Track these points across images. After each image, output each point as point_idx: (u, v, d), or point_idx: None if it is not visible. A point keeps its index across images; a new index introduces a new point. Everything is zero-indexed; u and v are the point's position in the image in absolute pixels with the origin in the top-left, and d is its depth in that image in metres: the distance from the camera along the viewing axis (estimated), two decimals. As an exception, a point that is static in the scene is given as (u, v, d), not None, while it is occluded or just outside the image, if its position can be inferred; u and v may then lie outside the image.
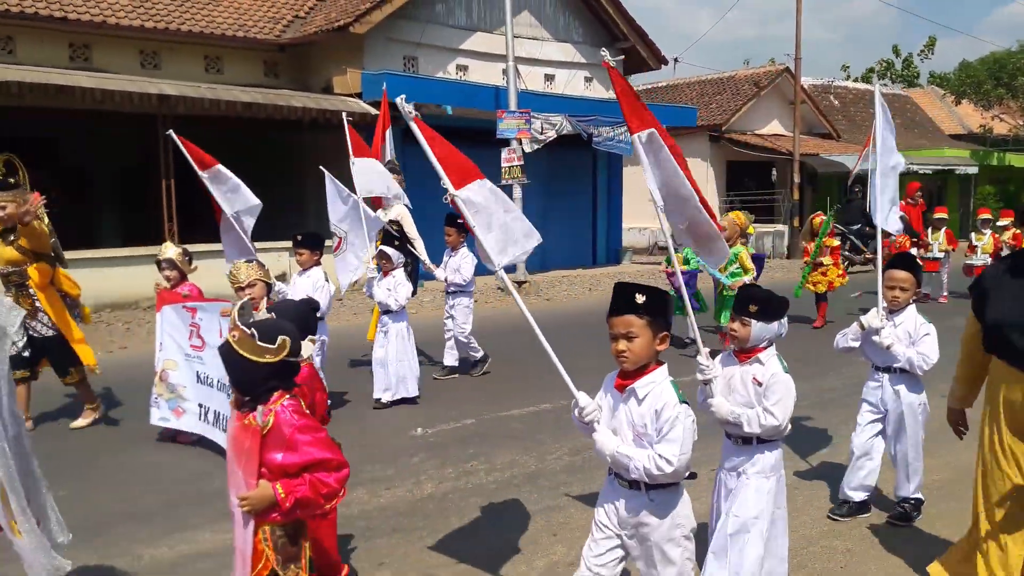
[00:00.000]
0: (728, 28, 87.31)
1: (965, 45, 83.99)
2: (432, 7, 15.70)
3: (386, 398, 6.77)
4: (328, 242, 6.97)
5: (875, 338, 4.06)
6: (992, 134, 30.22)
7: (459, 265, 7.67)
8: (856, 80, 41.35)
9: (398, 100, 3.70)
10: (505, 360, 8.42)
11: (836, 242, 10.74)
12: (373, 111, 13.75)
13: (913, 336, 4.12)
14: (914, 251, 12.91)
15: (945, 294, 13.07)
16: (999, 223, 13.43)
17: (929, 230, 13.26)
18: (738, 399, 3.22)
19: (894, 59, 45.56)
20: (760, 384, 3.15)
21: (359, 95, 14.15)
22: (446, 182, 3.25)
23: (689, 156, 23.27)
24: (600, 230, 19.34)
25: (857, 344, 4.19)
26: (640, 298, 2.63)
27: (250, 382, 2.55)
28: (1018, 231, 13.63)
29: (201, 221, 11.96)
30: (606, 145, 16.57)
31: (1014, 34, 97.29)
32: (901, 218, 12.92)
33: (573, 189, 18.57)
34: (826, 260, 10.34)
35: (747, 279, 7.60)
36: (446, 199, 3.34)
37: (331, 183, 7.19)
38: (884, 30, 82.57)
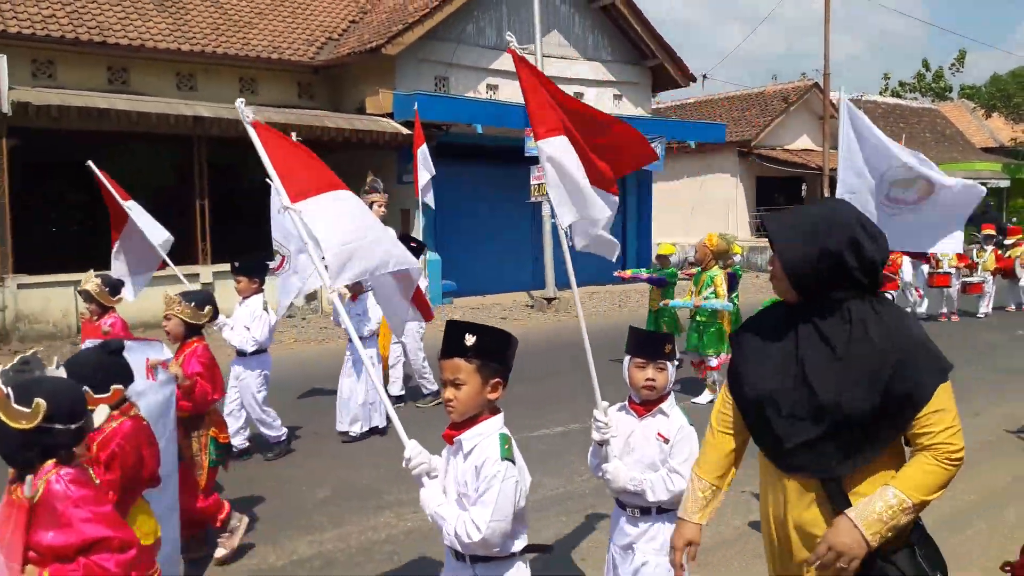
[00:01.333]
0: (757, 43, 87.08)
1: (995, 58, 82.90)
2: (463, 28, 15.93)
3: (356, 430, 6.52)
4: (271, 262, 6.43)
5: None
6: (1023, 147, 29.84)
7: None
8: (886, 92, 40.98)
9: (237, 102, 3.34)
10: (532, 378, 8.49)
11: None
12: (404, 131, 13.98)
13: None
14: (925, 267, 12.65)
15: (955, 311, 12.80)
16: (1007, 240, 13.15)
17: None
18: (639, 460, 2.87)
19: (924, 72, 45.12)
20: (667, 440, 2.79)
21: (391, 115, 14.39)
22: (282, 194, 2.96)
23: (718, 172, 23.43)
24: (630, 245, 19.37)
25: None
26: (469, 339, 2.34)
27: (7, 449, 2.17)
28: None
29: (235, 241, 12.26)
30: (634, 162, 16.63)
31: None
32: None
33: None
34: None
35: (718, 305, 7.34)
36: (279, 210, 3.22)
37: (275, 195, 6.93)
38: (915, 44, 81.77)
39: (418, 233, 14.42)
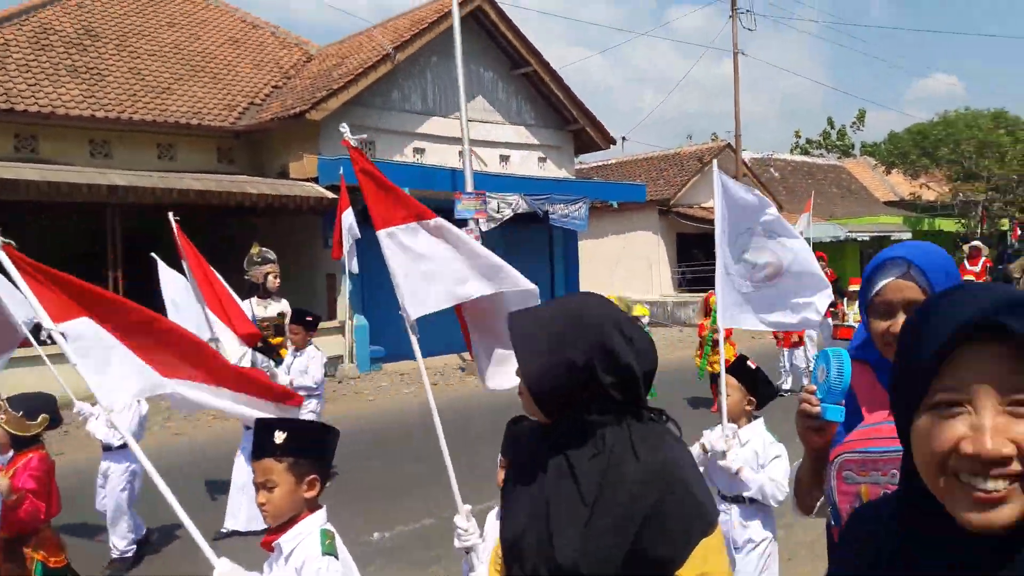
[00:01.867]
0: (672, 106, 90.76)
1: (892, 117, 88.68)
2: (388, 94, 16.01)
3: (248, 527, 5.84)
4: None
5: (721, 462, 3.40)
6: (921, 201, 31.67)
7: (306, 366, 6.67)
8: (796, 150, 43.06)
9: (342, 126, 3.55)
10: (470, 447, 8.33)
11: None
12: (329, 195, 13.83)
13: (761, 458, 3.45)
14: (829, 320, 13.10)
15: None
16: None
17: (845, 300, 13.27)
18: None
19: (830, 130, 47.77)
20: None
21: (315, 180, 14.23)
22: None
23: (641, 230, 24.02)
24: (556, 305, 19.53)
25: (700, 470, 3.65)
26: (279, 437, 2.20)
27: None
28: None
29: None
30: (561, 221, 16.90)
31: (935, 106, 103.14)
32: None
33: (531, 265, 18.74)
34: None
35: None
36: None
37: (164, 271, 6.74)
38: (820, 103, 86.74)
39: (344, 298, 14.19)
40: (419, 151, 16.62)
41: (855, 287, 13.12)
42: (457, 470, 7.21)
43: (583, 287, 20.38)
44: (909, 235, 27.41)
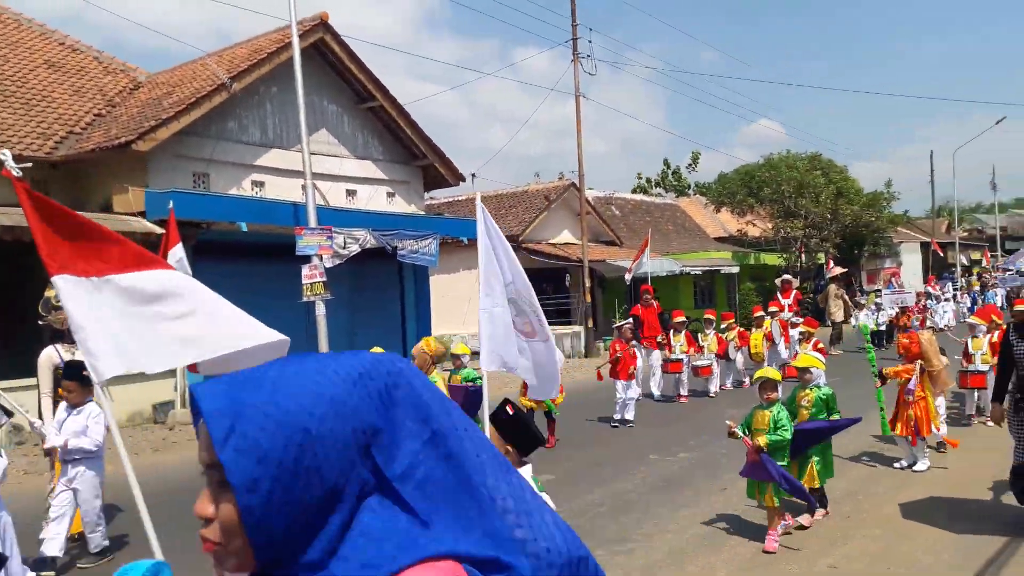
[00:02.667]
0: (521, 144, 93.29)
1: (724, 159, 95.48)
2: (223, 124, 15.43)
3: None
4: None
5: None
6: (747, 236, 34.11)
7: (85, 426, 5.86)
8: (634, 191, 45.26)
9: (2, 153, 3.23)
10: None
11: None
12: (158, 230, 13.06)
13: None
14: (656, 353, 13.65)
15: (687, 393, 13.51)
16: (722, 325, 14.25)
17: (671, 332, 13.64)
18: None
19: (667, 171, 50.63)
20: None
21: (142, 214, 13.42)
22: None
23: (489, 265, 24.27)
24: (410, 339, 19.30)
25: None
26: None
27: None
28: (743, 330, 14.78)
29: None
30: (411, 257, 16.79)
31: (761, 149, 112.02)
32: (635, 318, 13.52)
33: (381, 301, 18.52)
34: None
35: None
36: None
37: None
38: (659, 144, 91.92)
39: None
40: (258, 184, 16.10)
41: (680, 319, 13.82)
42: None
43: (435, 323, 20.32)
44: (737, 269, 29.36)
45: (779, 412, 5.82)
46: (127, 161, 13.79)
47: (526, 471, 3.20)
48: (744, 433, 5.85)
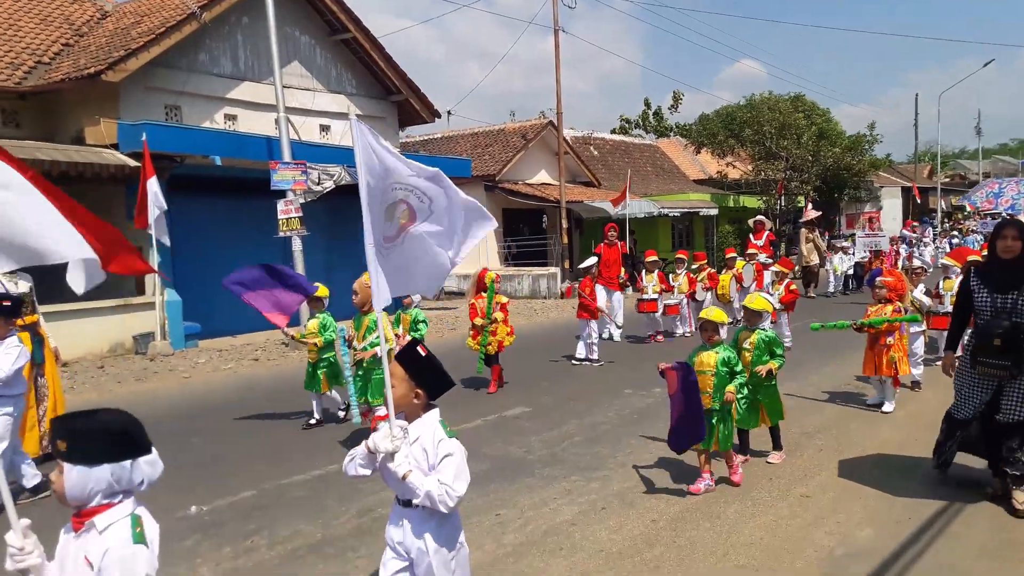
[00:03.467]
0: (498, 81, 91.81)
1: (706, 99, 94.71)
2: (195, 56, 15.07)
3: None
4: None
5: (390, 464, 2.93)
6: (727, 179, 34.15)
7: None
8: (614, 131, 44.93)
9: None
10: (288, 423, 8.15)
11: (505, 299, 9.64)
12: (132, 163, 12.89)
13: (431, 457, 2.97)
14: (618, 294, 13.39)
15: (661, 332, 13.52)
16: (694, 265, 14.12)
17: (643, 272, 13.55)
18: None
19: (648, 111, 50.24)
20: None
21: (115, 146, 13.20)
22: None
23: (467, 204, 24.20)
24: (383, 279, 19.36)
25: (369, 472, 3.05)
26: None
27: None
28: (713, 271, 14.36)
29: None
30: (385, 195, 16.68)
31: (742, 89, 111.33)
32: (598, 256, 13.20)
33: (357, 238, 18.32)
34: (498, 316, 9.36)
35: (387, 348, 6.70)
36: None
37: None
38: (639, 85, 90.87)
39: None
40: (231, 118, 15.83)
41: (652, 258, 13.77)
42: (302, 434, 6.88)
43: (411, 261, 20.31)
44: (716, 211, 29.49)
45: (728, 354, 5.64)
46: (98, 92, 13.49)
47: (433, 415, 3.03)
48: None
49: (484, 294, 9.35)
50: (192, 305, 13.87)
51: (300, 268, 14.14)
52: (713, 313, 5.82)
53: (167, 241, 12.91)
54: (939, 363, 6.54)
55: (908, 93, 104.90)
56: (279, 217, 14.00)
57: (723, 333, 5.99)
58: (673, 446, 5.59)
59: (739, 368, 5.70)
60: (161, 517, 4.98)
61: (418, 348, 3.06)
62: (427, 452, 2.95)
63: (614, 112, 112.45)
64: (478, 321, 9.33)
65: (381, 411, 6.33)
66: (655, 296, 13.26)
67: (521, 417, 8.20)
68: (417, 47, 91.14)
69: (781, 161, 31.00)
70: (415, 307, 8.33)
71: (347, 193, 16.09)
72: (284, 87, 14.36)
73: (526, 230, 25.00)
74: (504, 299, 9.58)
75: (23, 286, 6.77)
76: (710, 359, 5.63)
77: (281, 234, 14.09)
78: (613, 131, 45.59)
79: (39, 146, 12.77)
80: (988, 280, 5.18)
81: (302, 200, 14.25)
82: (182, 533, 5.18)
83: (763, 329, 6.34)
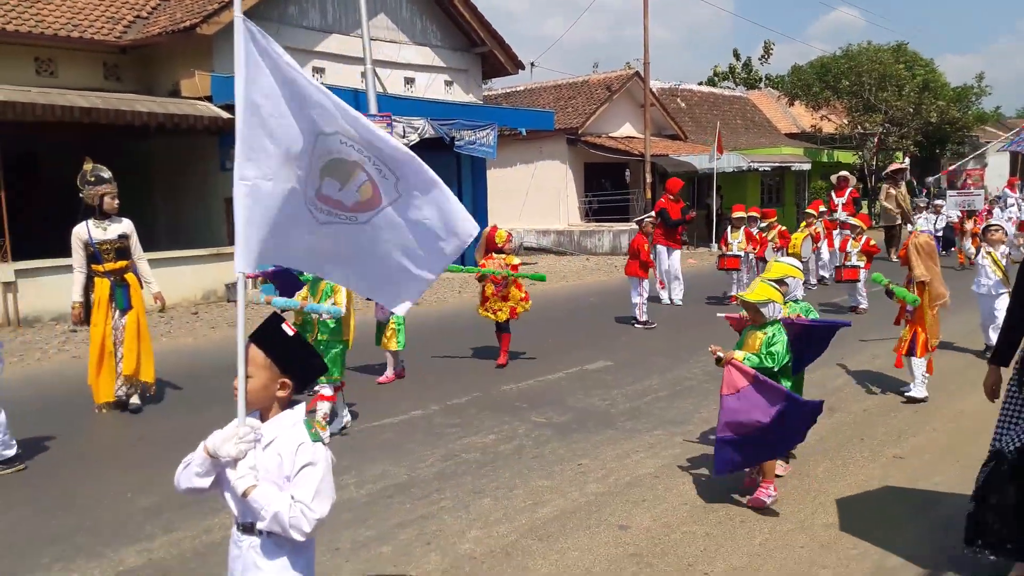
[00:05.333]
0: (581, 32, 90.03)
1: (798, 50, 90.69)
2: (284, 8, 15.29)
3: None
4: None
5: (231, 474, 2.28)
6: (821, 133, 32.75)
7: None
8: (701, 83, 43.58)
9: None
10: (374, 370, 8.36)
11: (517, 260, 8.56)
12: (225, 115, 13.24)
13: (287, 467, 2.29)
14: (677, 253, 12.55)
15: (734, 294, 12.62)
16: (762, 224, 13.08)
17: (729, 229, 13.01)
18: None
19: (736, 63, 48.46)
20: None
21: (209, 98, 13.58)
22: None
23: (548, 159, 24.04)
24: (465, 232, 19.48)
25: (207, 484, 2.34)
26: (287, 330, 2.30)
27: None
28: (784, 228, 13.40)
29: (40, 237, 11.13)
30: (468, 148, 16.72)
31: (838, 39, 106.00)
32: (661, 213, 12.25)
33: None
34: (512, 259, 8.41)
35: (322, 308, 5.79)
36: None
37: None
38: (728, 35, 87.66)
39: (246, 224, 13.73)
40: (319, 71, 16.04)
41: (740, 214, 13.18)
42: (371, 384, 6.89)
43: (491, 217, 20.36)
44: (808, 166, 28.38)
45: (775, 334, 4.60)
46: (193, 45, 13.86)
47: (295, 413, 2.40)
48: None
49: (495, 255, 8.32)
50: (282, 254, 14.30)
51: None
52: (754, 292, 4.69)
53: None
54: None
55: (1020, 42, 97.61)
56: (365, 169, 14.19)
57: (796, 289, 5.23)
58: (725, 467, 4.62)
59: (775, 350, 4.59)
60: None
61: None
62: (283, 459, 2.29)
63: (701, 63, 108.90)
64: (501, 266, 8.22)
65: (327, 391, 5.89)
66: (740, 253, 12.71)
67: (603, 371, 8.18)
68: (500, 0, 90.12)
69: (880, 114, 29.47)
70: None
71: (429, 147, 16.20)
72: (371, 40, 14.44)
73: (608, 184, 24.65)
74: (516, 260, 8.50)
75: (113, 231, 6.82)
76: (758, 340, 4.64)
77: (366, 186, 14.29)
78: (701, 83, 44.26)
79: (138, 98, 13.26)
80: None
81: (387, 152, 14.40)
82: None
83: (796, 300, 5.29)
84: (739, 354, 4.61)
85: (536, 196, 24.23)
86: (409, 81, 17.92)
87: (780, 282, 4.97)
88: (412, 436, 6.09)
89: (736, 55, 48.83)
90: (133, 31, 14.50)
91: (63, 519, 4.62)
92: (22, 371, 8.60)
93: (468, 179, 19.39)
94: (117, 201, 6.90)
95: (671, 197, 13.00)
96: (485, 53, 19.08)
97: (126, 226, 6.97)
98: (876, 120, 29.52)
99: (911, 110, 29.49)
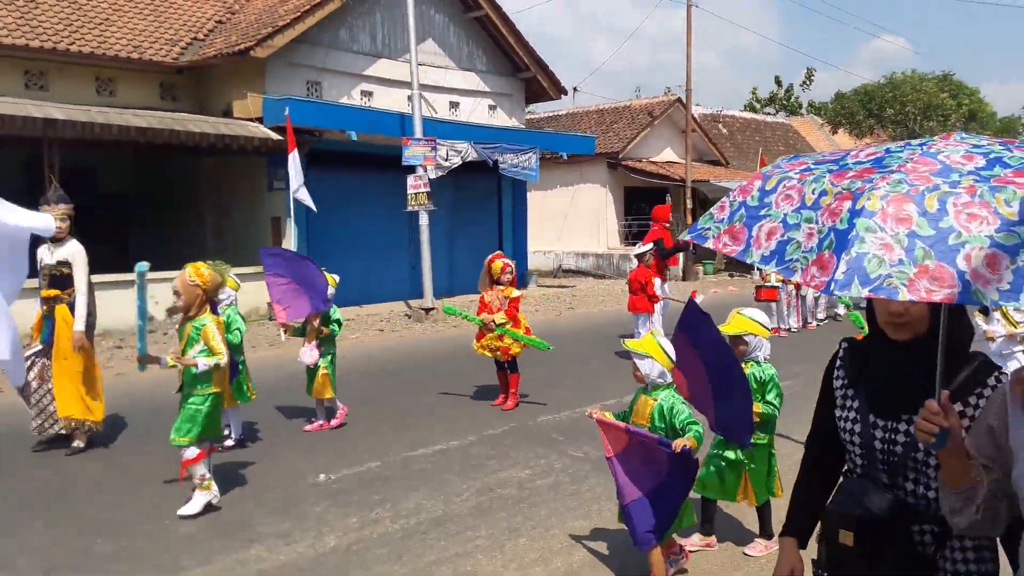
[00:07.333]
0: (623, 57, 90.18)
1: (840, 77, 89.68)
2: (336, 33, 15.66)
3: None
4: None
5: None
6: (866, 162, 32.41)
7: None
8: (743, 109, 43.36)
9: None
10: (411, 395, 8.48)
11: (517, 292, 7.85)
12: (275, 136, 13.61)
13: None
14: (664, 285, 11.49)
15: (786, 327, 12.71)
16: None
17: None
18: None
19: (778, 88, 48.18)
20: None
21: (260, 120, 13.96)
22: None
23: (589, 182, 24.18)
24: (507, 252, 19.64)
25: None
26: None
27: None
28: None
29: (92, 253, 11.52)
30: (511, 171, 16.92)
31: (881, 67, 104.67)
32: (657, 243, 11.87)
33: (479, 214, 18.82)
34: (498, 318, 7.62)
35: (209, 363, 5.00)
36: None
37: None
38: (770, 61, 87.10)
39: (290, 242, 14.03)
40: (367, 94, 16.38)
41: None
42: (424, 406, 7.02)
43: (531, 239, 20.52)
44: (850, 195, 28.07)
45: (673, 404, 4.06)
46: (246, 68, 14.27)
47: None
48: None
49: (498, 286, 7.78)
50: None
51: (425, 241, 14.59)
52: (735, 324, 4.47)
53: (313, 207, 13.34)
54: None
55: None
56: (408, 192, 14.45)
57: (758, 350, 4.57)
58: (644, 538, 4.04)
59: (772, 391, 4.37)
60: (294, 482, 5.26)
61: None
62: None
63: (743, 88, 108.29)
64: (492, 317, 7.61)
65: (190, 452, 5.08)
66: (778, 284, 12.35)
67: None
68: (544, 25, 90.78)
69: (926, 144, 29.17)
70: (229, 304, 6.69)
71: (471, 170, 16.43)
72: (418, 65, 14.72)
73: (647, 209, 24.63)
74: (516, 292, 7.82)
75: (56, 256, 6.40)
76: (645, 408, 4.19)
77: (409, 208, 14.56)
78: (744, 108, 44.05)
79: (191, 119, 13.69)
80: (864, 381, 2.19)
81: (431, 175, 14.65)
82: (313, 499, 5.52)
83: (758, 362, 4.54)
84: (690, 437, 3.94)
85: (576, 219, 24.35)
86: (454, 105, 18.19)
87: (738, 340, 4.49)
88: (449, 467, 6.18)
89: (778, 82, 48.55)
90: (190, 53, 14.98)
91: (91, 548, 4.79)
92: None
93: (509, 201, 19.59)
94: (66, 224, 6.41)
95: (665, 225, 12.60)
96: (529, 79, 19.30)
97: (70, 252, 6.39)
98: (1013, 140, 29.25)
99: (958, 141, 29.12)
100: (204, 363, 4.97)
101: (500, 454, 6.50)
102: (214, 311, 5.46)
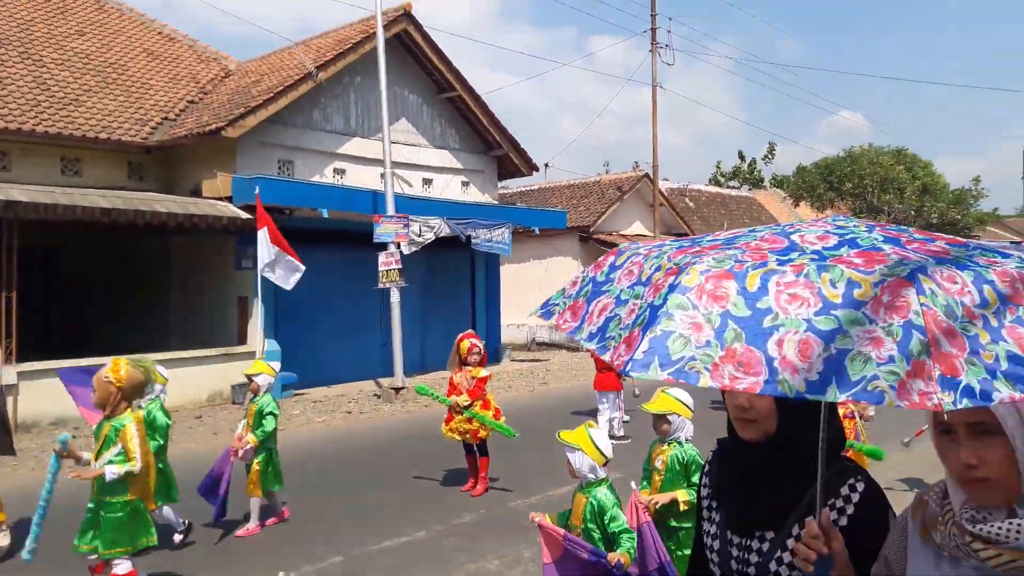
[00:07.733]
0: (593, 134, 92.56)
1: (800, 151, 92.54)
2: (309, 113, 15.80)
3: None
4: None
5: None
6: (830, 234, 33.11)
7: None
8: (708, 183, 44.40)
9: None
10: (378, 481, 8.21)
11: (484, 372, 7.70)
12: (243, 215, 13.52)
13: None
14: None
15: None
16: None
17: None
18: None
19: (741, 163, 49.48)
20: None
21: (229, 199, 13.89)
22: None
23: (561, 255, 24.32)
24: (479, 329, 19.50)
25: None
26: None
27: None
28: None
29: (55, 332, 11.22)
30: (485, 246, 16.97)
31: (841, 141, 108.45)
32: None
33: (452, 289, 18.77)
34: (461, 400, 7.58)
35: (120, 472, 4.54)
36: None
37: None
38: (734, 137, 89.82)
39: (257, 321, 13.82)
40: (340, 172, 16.45)
41: None
42: (375, 499, 6.75)
43: (504, 312, 20.47)
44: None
45: (603, 502, 3.86)
46: (216, 147, 14.28)
47: None
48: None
49: (466, 367, 7.67)
50: (291, 353, 14.32)
51: (396, 317, 14.45)
52: (658, 403, 4.42)
53: (288, 286, 13.04)
54: None
55: (1017, 145, 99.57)
56: (380, 269, 14.37)
57: (681, 430, 4.47)
58: None
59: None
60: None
61: None
62: None
63: (709, 164, 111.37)
64: (457, 399, 7.52)
65: (121, 567, 4.61)
66: None
67: (619, 482, 7.98)
68: (516, 101, 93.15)
69: (884, 216, 29.91)
70: (264, 394, 6.67)
71: (444, 245, 16.44)
72: (391, 143, 14.85)
73: (619, 282, 24.82)
74: (484, 372, 7.68)
75: None
76: (665, 455, 4.36)
77: (381, 285, 14.45)
78: (709, 181, 45.05)
79: (158, 199, 13.58)
80: (726, 490, 2.01)
81: (404, 251, 14.61)
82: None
83: (680, 443, 4.44)
84: (664, 497, 4.14)
85: (549, 291, 23.61)
86: (427, 182, 18.33)
87: (662, 419, 4.39)
88: (415, 562, 5.93)
89: (741, 156, 49.92)
90: (159, 132, 14.99)
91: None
92: (17, 481, 8.41)
93: (483, 274, 19.60)
94: None
95: None
96: (501, 156, 19.57)
97: None
98: (880, 221, 30.03)
99: (913, 212, 29.92)
100: (112, 472, 4.49)
101: (468, 545, 6.26)
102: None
